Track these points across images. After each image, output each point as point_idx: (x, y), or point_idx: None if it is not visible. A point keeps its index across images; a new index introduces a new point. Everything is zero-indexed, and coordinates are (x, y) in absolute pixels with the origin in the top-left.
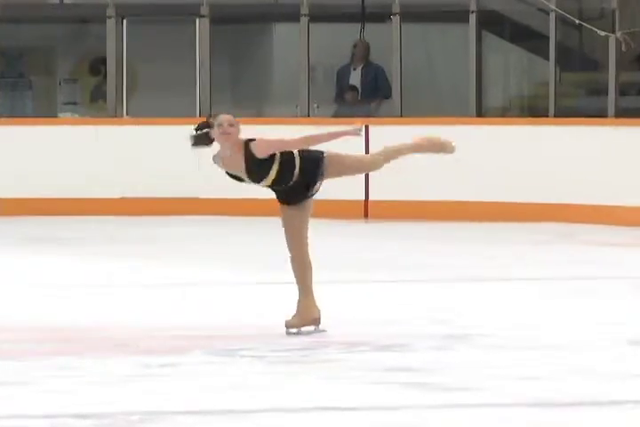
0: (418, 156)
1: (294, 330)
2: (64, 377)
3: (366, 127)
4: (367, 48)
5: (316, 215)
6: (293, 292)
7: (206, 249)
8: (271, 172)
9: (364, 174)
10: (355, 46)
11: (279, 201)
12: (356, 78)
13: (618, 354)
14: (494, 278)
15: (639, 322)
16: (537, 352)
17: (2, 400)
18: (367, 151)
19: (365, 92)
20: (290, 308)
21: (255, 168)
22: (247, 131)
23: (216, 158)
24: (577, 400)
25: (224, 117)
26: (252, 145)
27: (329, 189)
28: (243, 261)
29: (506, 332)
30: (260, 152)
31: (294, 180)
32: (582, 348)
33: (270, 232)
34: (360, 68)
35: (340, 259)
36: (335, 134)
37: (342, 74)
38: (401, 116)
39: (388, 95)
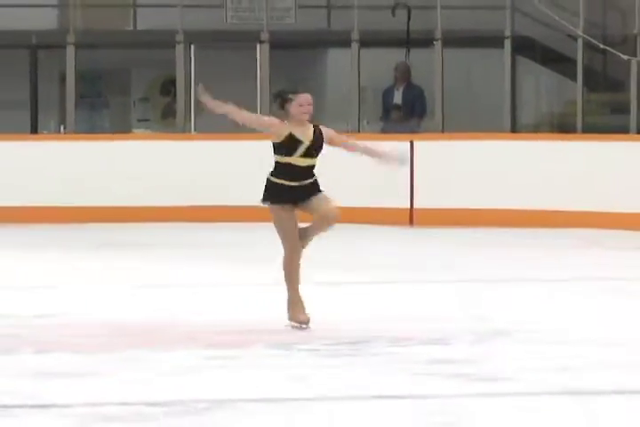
0: (460, 168)
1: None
2: (137, 369)
3: (411, 143)
4: (408, 70)
5: (364, 221)
6: (344, 292)
7: (266, 253)
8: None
9: (409, 183)
10: (395, 68)
11: (286, 201)
12: (398, 98)
13: None
14: (529, 279)
15: None
16: (568, 346)
17: (80, 390)
18: (412, 166)
19: (406, 110)
20: (340, 306)
21: (315, 144)
22: None
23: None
24: (603, 389)
25: (305, 97)
26: (324, 129)
27: (375, 197)
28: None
29: (540, 328)
30: (329, 137)
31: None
32: (609, 342)
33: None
34: (402, 88)
35: (383, 261)
36: (377, 154)
37: (387, 94)
38: (442, 131)
39: (422, 114)
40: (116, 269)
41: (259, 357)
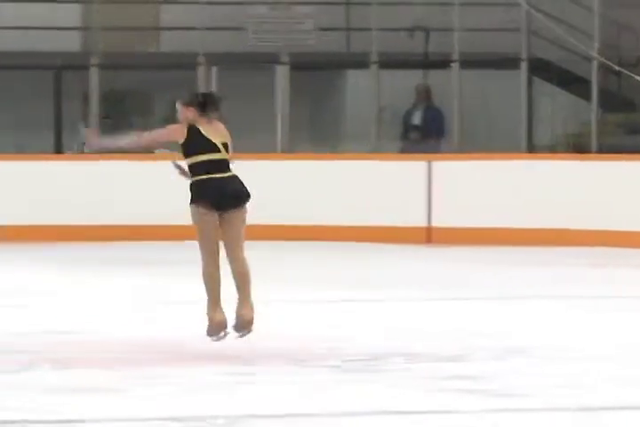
0: (477, 188)
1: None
2: (157, 385)
3: (429, 163)
4: (428, 90)
5: (380, 240)
6: (352, 308)
7: (283, 271)
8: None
9: (426, 202)
10: (416, 89)
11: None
12: (418, 118)
13: None
14: (547, 297)
15: None
16: (582, 363)
17: (102, 406)
18: (430, 185)
19: (425, 131)
20: (356, 323)
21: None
22: (324, 166)
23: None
24: (616, 405)
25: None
26: None
27: (392, 215)
28: (312, 281)
29: (554, 344)
30: None
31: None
32: (623, 359)
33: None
34: (422, 109)
35: (400, 278)
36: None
37: (408, 115)
38: (460, 151)
39: (440, 135)
40: (132, 286)
41: (277, 373)
